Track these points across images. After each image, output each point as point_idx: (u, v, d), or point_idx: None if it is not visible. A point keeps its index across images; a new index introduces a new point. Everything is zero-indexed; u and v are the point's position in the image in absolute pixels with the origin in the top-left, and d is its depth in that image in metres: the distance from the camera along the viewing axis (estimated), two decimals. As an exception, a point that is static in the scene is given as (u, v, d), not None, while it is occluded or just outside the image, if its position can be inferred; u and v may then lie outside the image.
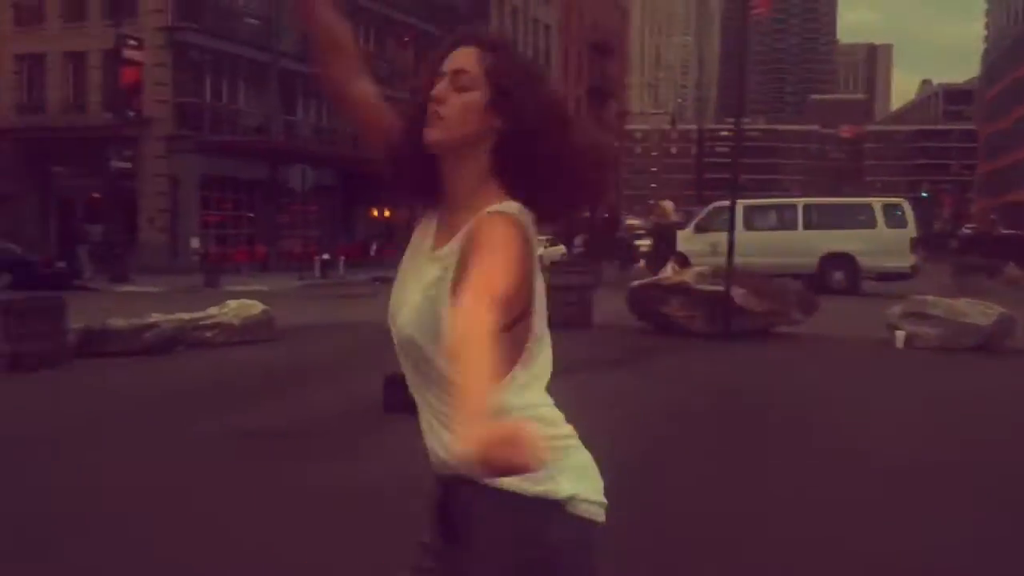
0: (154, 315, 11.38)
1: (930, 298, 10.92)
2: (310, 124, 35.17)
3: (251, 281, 25.45)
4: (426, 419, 1.67)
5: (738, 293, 11.20)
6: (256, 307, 11.95)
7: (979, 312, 10.64)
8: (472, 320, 1.31)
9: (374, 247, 35.75)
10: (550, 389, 1.64)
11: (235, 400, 7.68)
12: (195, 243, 28.72)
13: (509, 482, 1.48)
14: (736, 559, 3.99)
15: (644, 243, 24.52)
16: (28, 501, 4.85)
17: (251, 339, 11.40)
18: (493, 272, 1.42)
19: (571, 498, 1.54)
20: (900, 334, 10.65)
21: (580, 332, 11.84)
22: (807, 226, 20.38)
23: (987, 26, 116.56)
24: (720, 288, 11.18)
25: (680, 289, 11.55)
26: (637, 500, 3.95)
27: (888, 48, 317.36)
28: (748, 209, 21.16)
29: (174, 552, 4.11)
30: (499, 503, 1.53)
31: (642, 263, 17.04)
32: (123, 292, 22.74)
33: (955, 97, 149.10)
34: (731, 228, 12.13)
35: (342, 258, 30.25)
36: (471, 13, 45.63)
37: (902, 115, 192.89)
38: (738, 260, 18.35)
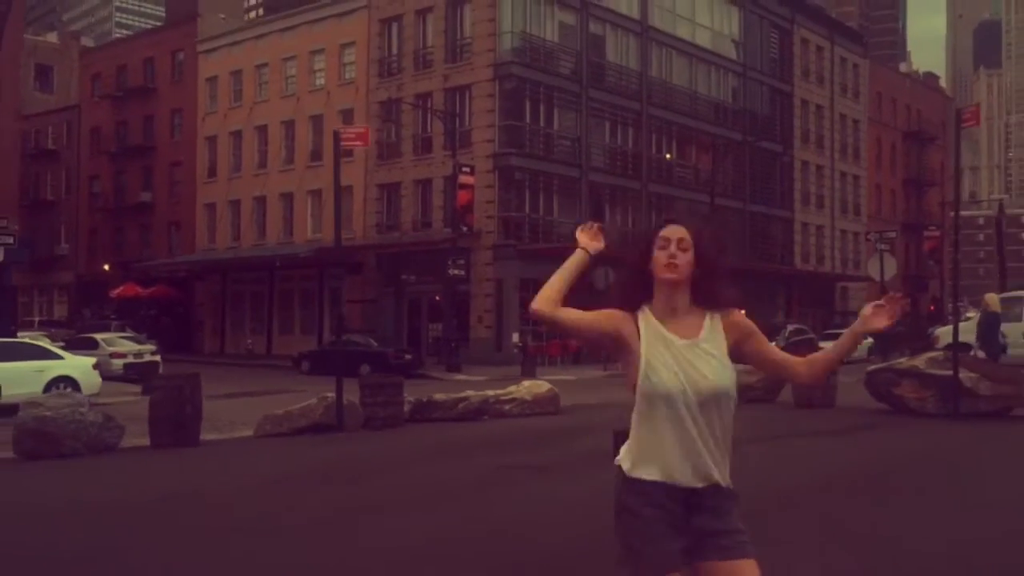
0: (467, 391, 14.60)
1: None
2: (616, 228, 38.54)
3: (561, 372, 28.71)
4: (697, 448, 2.74)
5: (967, 376, 12.17)
6: (544, 386, 14.81)
7: None
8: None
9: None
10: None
11: (516, 448, 10.39)
12: (515, 338, 32.71)
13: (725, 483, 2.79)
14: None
15: (943, 330, 24.25)
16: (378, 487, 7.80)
17: (539, 412, 14.21)
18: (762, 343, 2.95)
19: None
20: None
21: (820, 410, 13.38)
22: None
23: None
24: (948, 371, 12.22)
25: (912, 372, 12.72)
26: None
27: None
28: (1029, 298, 20.85)
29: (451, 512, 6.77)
30: (733, 495, 2.84)
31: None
32: (456, 380, 26.77)
33: None
34: (955, 315, 13.01)
35: (644, 351, 32.80)
36: (774, 115, 47.29)
37: None
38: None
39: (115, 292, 43.53)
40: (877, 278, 25.98)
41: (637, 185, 38.71)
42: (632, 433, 2.88)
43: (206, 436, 11.93)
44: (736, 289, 3.04)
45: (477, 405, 14.00)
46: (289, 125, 41.01)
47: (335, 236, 14.62)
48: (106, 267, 46.85)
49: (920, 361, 13.02)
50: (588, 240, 3.27)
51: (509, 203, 34.12)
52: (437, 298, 35.97)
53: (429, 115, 35.60)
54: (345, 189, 38.32)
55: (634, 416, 2.86)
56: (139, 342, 29.33)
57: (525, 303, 24.58)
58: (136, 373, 24.83)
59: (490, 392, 14.54)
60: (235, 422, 13.83)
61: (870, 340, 33.92)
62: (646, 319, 2.90)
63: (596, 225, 3.30)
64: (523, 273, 33.70)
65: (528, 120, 34.86)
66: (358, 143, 14.95)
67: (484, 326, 33.85)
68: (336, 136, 12.72)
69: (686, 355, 2.81)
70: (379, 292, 37.16)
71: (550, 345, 33.85)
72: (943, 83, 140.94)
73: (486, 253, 33.70)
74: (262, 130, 41.98)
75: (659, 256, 2.90)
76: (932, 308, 49.04)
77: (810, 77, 50.22)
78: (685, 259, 2.89)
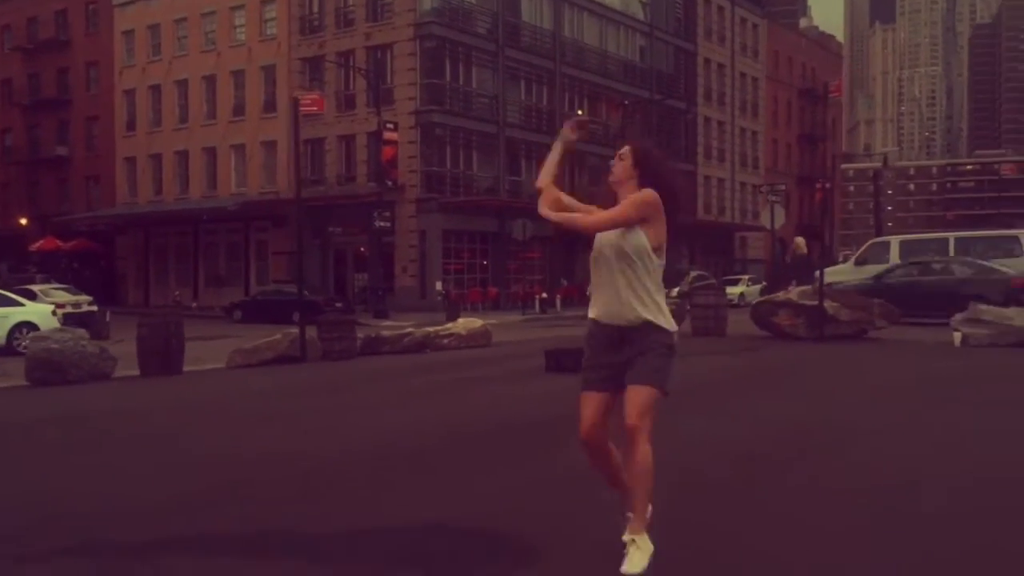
0: (409, 328, 16.55)
1: (983, 307, 13.94)
2: (532, 182, 40.62)
3: (483, 317, 30.80)
4: (616, 298, 3.64)
5: (830, 305, 14.72)
6: (477, 323, 16.88)
7: (1022, 317, 13.56)
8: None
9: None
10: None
11: (462, 368, 12.43)
12: (439, 286, 34.65)
13: (663, 327, 3.63)
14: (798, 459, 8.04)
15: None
16: (362, 399, 9.76)
17: (474, 345, 16.27)
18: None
19: (674, 332, 3.72)
20: (957, 335, 13.77)
21: (716, 338, 15.81)
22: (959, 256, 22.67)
23: None
24: (816, 302, 14.75)
25: (787, 304, 15.23)
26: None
27: None
28: (905, 243, 23.83)
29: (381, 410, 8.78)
30: (661, 331, 3.66)
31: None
32: (384, 326, 28.62)
33: None
34: (822, 259, 15.49)
35: (558, 296, 35.27)
36: (678, 74, 49.84)
37: None
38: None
39: (35, 246, 43.66)
40: (769, 227, 28.76)
41: (551, 140, 40.60)
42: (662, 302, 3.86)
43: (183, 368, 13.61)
44: (664, 183, 3.77)
45: (420, 339, 15.98)
46: (210, 80, 41.58)
47: (295, 190, 16.19)
48: (23, 221, 46.74)
49: (794, 294, 15.54)
50: (570, 133, 4.13)
51: (431, 158, 35.79)
52: (362, 249, 37.60)
53: (352, 73, 36.83)
54: (269, 144, 39.65)
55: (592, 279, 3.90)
56: (72, 293, 30.19)
57: (448, 253, 27.67)
58: (75, 322, 25.90)
59: (430, 328, 16.55)
60: (200, 358, 15.46)
61: (764, 283, 37.10)
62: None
63: (584, 119, 4.21)
64: (445, 225, 35.61)
65: (448, 78, 36.45)
66: (314, 108, 16.56)
67: (409, 275, 35.67)
68: (295, 101, 14.35)
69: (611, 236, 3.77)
70: (304, 244, 38.45)
71: (471, 292, 35.93)
72: (841, 38, 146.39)
73: (409, 206, 35.40)
74: (182, 84, 42.42)
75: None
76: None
77: (712, 37, 52.87)
78: (621, 166, 3.86)
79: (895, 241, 23.97)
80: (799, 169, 61.57)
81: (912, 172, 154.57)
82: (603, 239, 3.78)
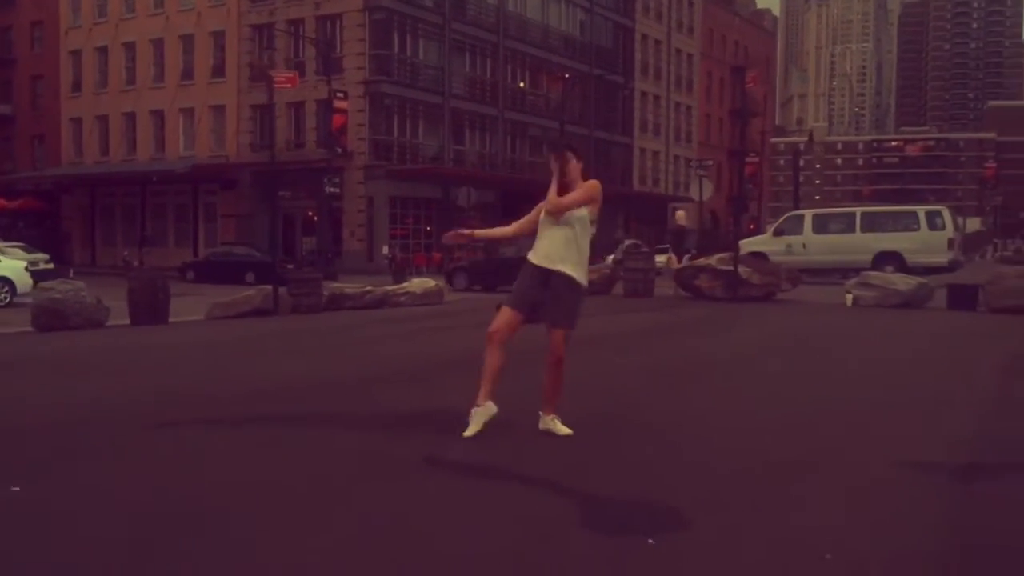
0: (368, 286, 18.20)
1: (873, 273, 16.15)
2: (475, 152, 42.25)
3: (428, 279, 32.44)
4: (553, 248, 5.06)
5: (743, 271, 16.79)
6: (431, 283, 18.61)
7: (904, 282, 15.81)
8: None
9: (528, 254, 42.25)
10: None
11: (423, 320, 14.17)
12: (385, 250, 36.17)
13: (579, 283, 5.12)
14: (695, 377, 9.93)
15: (744, 241, 29.53)
16: (319, 346, 11.45)
17: (429, 303, 17.99)
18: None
19: (585, 286, 5.84)
20: (849, 296, 15.97)
21: (645, 299, 17.80)
22: (864, 230, 24.99)
23: None
24: (731, 267, 16.80)
25: (707, 268, 17.27)
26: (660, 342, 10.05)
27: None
28: (817, 217, 26.15)
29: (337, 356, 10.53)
30: (577, 286, 5.10)
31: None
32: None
33: None
34: (737, 230, 17.54)
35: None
36: (616, 49, 51.68)
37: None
38: (811, 258, 23.61)
39: (-21, 205, 43.87)
40: (697, 199, 30.88)
41: (494, 112, 42.38)
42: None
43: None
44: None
45: (380, 296, 17.65)
46: (158, 43, 42.09)
47: (270, 155, 17.59)
48: (-34, 180, 46.73)
49: (713, 260, 17.59)
50: (449, 240, 5.90)
51: (379, 127, 37.13)
52: (310, 213, 38.88)
53: (302, 41, 37.83)
54: (218, 108, 40.46)
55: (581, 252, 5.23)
56: (28, 251, 30.98)
57: (394, 218, 29.94)
58: (36, 279, 26.83)
59: (388, 287, 18.21)
60: (175, 312, 16.88)
61: (693, 251, 39.31)
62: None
63: (462, 234, 5.75)
64: (392, 191, 37.08)
65: (396, 49, 37.73)
66: (288, 85, 17.96)
67: (356, 239, 37.10)
68: (269, 78, 15.79)
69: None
70: (254, 207, 39.59)
71: (416, 257, 37.51)
72: (777, 12, 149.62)
73: (358, 172, 36.74)
74: (130, 47, 42.83)
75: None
76: (752, 227, 55.47)
77: (650, 14, 54.77)
78: (574, 166, 5.22)
79: (809, 214, 26.28)
80: (730, 143, 64.15)
81: (840, 147, 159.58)
82: (551, 222, 5.21)
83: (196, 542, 3.56)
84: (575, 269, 5.15)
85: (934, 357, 9.77)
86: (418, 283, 18.52)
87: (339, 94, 34.38)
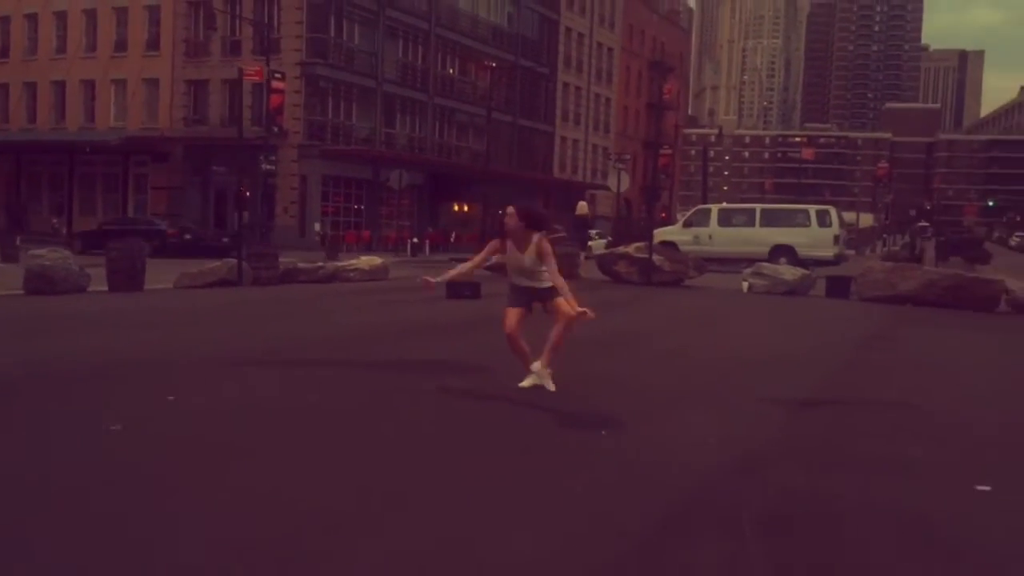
0: (320, 262, 19.95)
1: (765, 264, 18.71)
2: (405, 135, 43.91)
3: (360, 256, 34.13)
4: (521, 281, 6.89)
5: (657, 259, 19.17)
6: (377, 260, 20.47)
7: (791, 272, 18.42)
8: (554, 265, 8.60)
9: (453, 235, 44.25)
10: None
11: (376, 294, 16.07)
12: (317, 227, 37.66)
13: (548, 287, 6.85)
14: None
15: (657, 231, 32.33)
16: (279, 312, 13.31)
17: (376, 278, 19.85)
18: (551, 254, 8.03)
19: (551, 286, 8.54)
20: (745, 284, 18.50)
21: (570, 281, 20.01)
22: (763, 225, 27.75)
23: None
24: (646, 256, 19.16)
25: (624, 256, 19.61)
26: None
27: (980, 54, 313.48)
28: (722, 211, 28.88)
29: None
30: (550, 287, 6.84)
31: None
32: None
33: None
34: (651, 221, 19.92)
35: (427, 242, 38.95)
36: (542, 40, 53.82)
37: (985, 124, 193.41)
38: (716, 249, 26.11)
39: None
40: (615, 190, 33.26)
41: (425, 97, 44.09)
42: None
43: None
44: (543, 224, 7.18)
45: (331, 272, 19.44)
46: (91, 14, 42.35)
47: (238, 132, 19.07)
48: None
49: (630, 248, 19.93)
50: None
51: (314, 108, 38.47)
52: (242, 188, 39.94)
53: (239, 20, 38.81)
54: (151, 82, 41.10)
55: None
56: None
57: (325, 196, 32.43)
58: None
59: (339, 263, 20.00)
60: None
61: (609, 238, 42.00)
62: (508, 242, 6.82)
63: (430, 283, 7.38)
64: (325, 170, 38.53)
65: (332, 33, 39.05)
66: (256, 78, 19.47)
67: (289, 215, 38.44)
68: (240, 72, 17.37)
69: (518, 254, 6.78)
70: (185, 181, 40.47)
71: (347, 234, 39.06)
72: (692, 4, 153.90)
73: (292, 151, 38.04)
74: (61, 16, 42.94)
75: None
76: (664, 215, 58.58)
77: (574, 8, 57.04)
78: (512, 220, 6.66)
79: (715, 209, 29.00)
80: (646, 134, 67.12)
81: (747, 140, 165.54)
82: (517, 258, 6.92)
83: (287, 430, 5.57)
84: (546, 282, 7.01)
85: (805, 333, 12.24)
86: (365, 260, 20.35)
87: (277, 75, 35.58)
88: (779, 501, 4.45)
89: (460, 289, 14.99)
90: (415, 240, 38.31)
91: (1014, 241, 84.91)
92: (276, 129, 35.99)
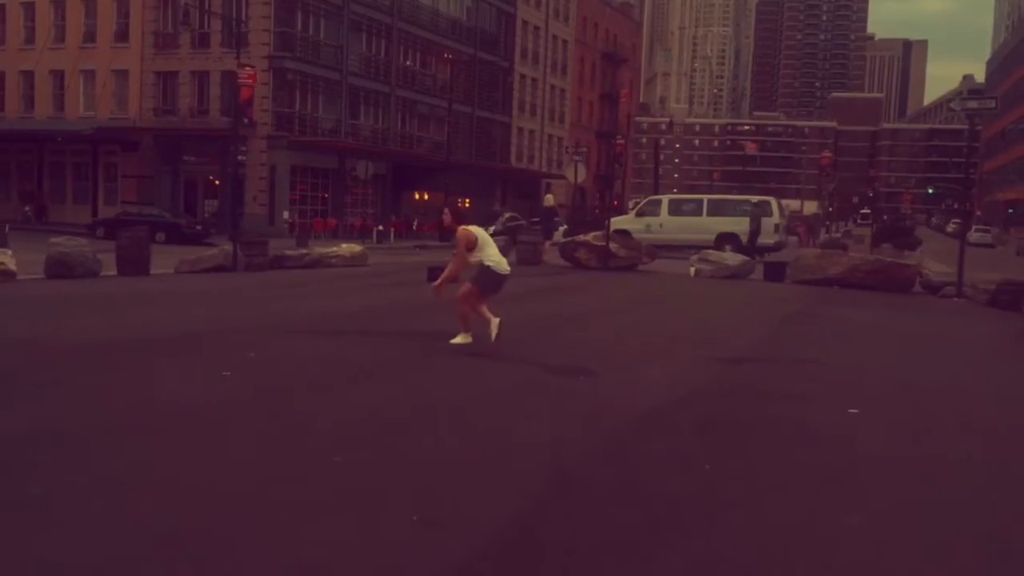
0: (304, 249, 21.62)
1: (710, 251, 20.80)
2: (369, 126, 45.42)
3: (328, 243, 35.70)
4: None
5: (614, 246, 21.17)
6: (357, 248, 22.20)
7: (733, 259, 20.55)
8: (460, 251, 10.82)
9: (415, 223, 45.93)
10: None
11: (364, 279, 17.82)
12: (286, 215, 39.10)
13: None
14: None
15: (614, 220, 34.43)
16: (270, 296, 15.08)
17: (356, 264, 21.58)
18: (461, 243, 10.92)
19: (491, 263, 10.87)
20: (692, 268, 20.59)
21: (533, 266, 21.94)
22: (710, 214, 29.93)
23: (1006, 28, 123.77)
24: (603, 243, 21.15)
25: (584, 243, 21.58)
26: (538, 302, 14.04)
27: (923, 44, 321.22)
28: (672, 201, 31.03)
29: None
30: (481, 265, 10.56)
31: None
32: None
33: (977, 96, 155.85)
34: (607, 211, 21.91)
35: (392, 230, 40.62)
36: (499, 33, 55.55)
37: (927, 113, 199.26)
38: (666, 236, 28.13)
39: None
40: (573, 180, 35.25)
41: (388, 89, 45.62)
42: (486, 258, 9.66)
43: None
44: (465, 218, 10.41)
45: (316, 258, 21.13)
46: (59, 4, 43.09)
47: (230, 122, 20.56)
48: None
49: (590, 237, 21.91)
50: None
51: (281, 100, 39.82)
52: (211, 177, 41.24)
53: (208, 13, 39.95)
54: (121, 73, 42.09)
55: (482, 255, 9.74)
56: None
57: (293, 185, 34.65)
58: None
59: (323, 250, 21.69)
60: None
61: (565, 226, 43.88)
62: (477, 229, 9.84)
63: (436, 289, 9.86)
64: (292, 160, 39.94)
65: (299, 27, 40.39)
66: (250, 82, 21.01)
67: (258, 204, 39.78)
68: (234, 74, 18.93)
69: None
70: (156, 170, 41.58)
71: (314, 222, 40.55)
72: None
73: (261, 142, 39.35)
74: (29, 7, 43.61)
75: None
76: (616, 203, 60.80)
77: (530, 1, 58.80)
78: (448, 218, 9.51)
79: (665, 199, 31.15)
80: (599, 124, 69.23)
81: (698, 128, 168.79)
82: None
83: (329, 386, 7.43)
84: (484, 260, 9.26)
85: (742, 309, 14.31)
86: (346, 248, 22.06)
87: (247, 69, 36.80)
88: (708, 417, 6.43)
89: (438, 275, 16.83)
90: (380, 228, 39.94)
91: (951, 228, 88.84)
92: (247, 121, 37.26)
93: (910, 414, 6.95)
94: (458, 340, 9.16)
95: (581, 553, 3.74)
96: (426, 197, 49.46)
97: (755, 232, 27.41)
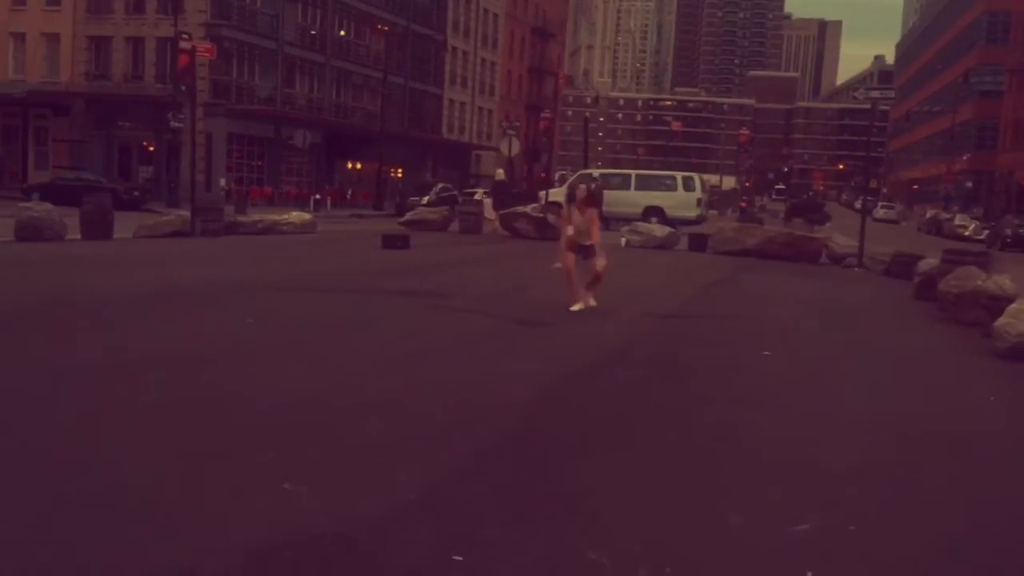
0: (258, 217, 22.62)
1: (639, 223, 22.52)
2: (304, 95, 45.94)
3: (267, 211, 36.43)
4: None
5: (550, 218, 22.70)
6: (307, 216, 23.26)
7: (660, 230, 22.31)
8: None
9: (350, 192, 46.76)
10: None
11: (321, 246, 18.97)
12: (222, 183, 39.55)
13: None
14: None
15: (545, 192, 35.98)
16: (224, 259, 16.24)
17: (307, 232, 22.65)
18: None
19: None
20: (623, 239, 22.29)
21: (474, 235, 23.36)
22: (637, 188, 31.66)
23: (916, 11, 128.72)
24: (541, 215, 22.67)
25: (523, 214, 23.08)
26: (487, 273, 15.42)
27: (837, 24, 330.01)
28: (604, 176, 32.68)
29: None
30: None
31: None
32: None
33: (886, 77, 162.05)
34: (547, 184, 23.44)
35: (328, 199, 41.45)
36: (432, 6, 56.30)
37: (840, 92, 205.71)
38: (593, 208, 29.57)
39: None
40: (506, 153, 36.65)
41: (322, 59, 46.15)
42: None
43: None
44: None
45: (268, 225, 22.11)
46: (-14, -35, 42.36)
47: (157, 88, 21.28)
48: None
49: (528, 208, 23.41)
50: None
51: (219, 68, 40.08)
52: (145, 143, 41.39)
53: (142, -21, 39.93)
54: (52, 36, 41.76)
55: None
56: None
57: (229, 153, 35.72)
58: None
59: (274, 217, 22.70)
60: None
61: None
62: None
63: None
64: (229, 128, 40.36)
65: (236, -5, 40.69)
66: (207, 55, 21.72)
67: (196, 171, 40.09)
68: (192, 49, 19.74)
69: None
70: (88, 135, 41.47)
71: (251, 190, 41.10)
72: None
73: (198, 109, 39.58)
74: (-47, -34, 42.73)
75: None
76: (543, 175, 62.36)
77: (462, -26, 59.61)
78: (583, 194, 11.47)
79: (596, 174, 32.76)
80: (528, 98, 70.58)
81: (622, 103, 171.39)
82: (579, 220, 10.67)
83: (328, 332, 8.82)
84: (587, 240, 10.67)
85: (671, 276, 16.02)
86: (296, 216, 23.11)
87: (185, 35, 37.02)
88: (654, 356, 8.02)
89: (394, 241, 18.13)
90: (317, 197, 40.70)
91: (859, 204, 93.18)
92: (184, 88, 37.52)
93: (812, 352, 8.68)
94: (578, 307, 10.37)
95: (572, 443, 5.25)
96: (359, 167, 50.21)
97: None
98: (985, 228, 43.49)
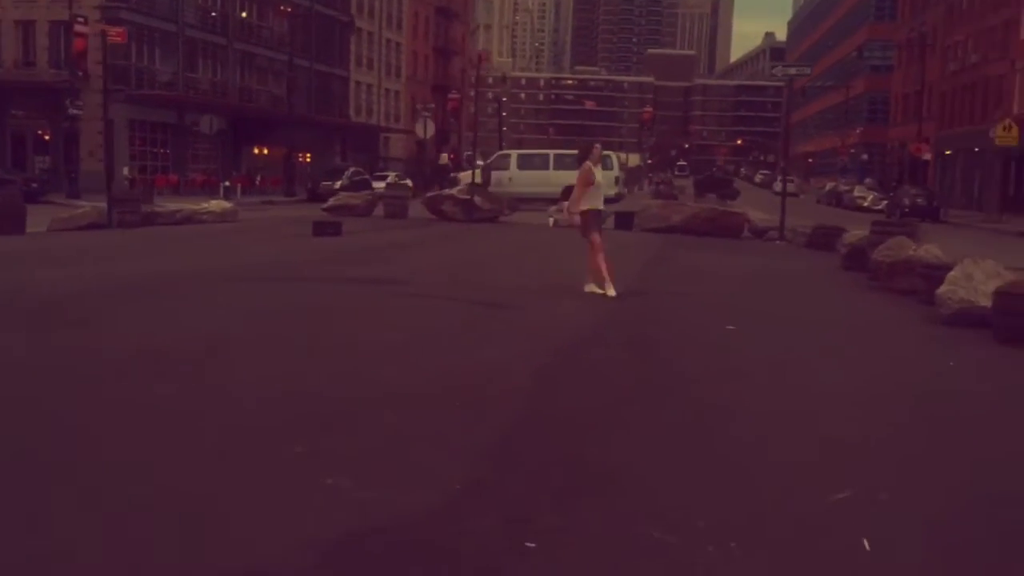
0: (174, 206, 21.92)
1: (566, 204, 22.67)
2: (207, 79, 44.59)
3: (176, 200, 35.30)
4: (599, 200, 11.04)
5: (477, 199, 22.70)
6: (228, 204, 22.67)
7: (587, 209, 22.53)
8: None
9: (258, 178, 45.68)
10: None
11: (246, 235, 18.53)
12: (126, 171, 38.13)
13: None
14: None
15: (463, 174, 35.86)
16: (158, 252, 15.80)
17: (227, 220, 22.08)
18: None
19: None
20: (550, 220, 22.44)
21: (399, 219, 23.17)
22: (555, 168, 31.88)
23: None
24: (468, 196, 22.64)
25: (449, 197, 23.00)
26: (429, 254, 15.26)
27: (730, 2, 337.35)
28: (521, 156, 32.80)
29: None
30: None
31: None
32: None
33: (778, 54, 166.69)
34: (472, 165, 23.41)
35: (239, 185, 40.40)
36: (335, -14, 55.26)
37: (734, 69, 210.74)
38: (516, 189, 29.85)
39: None
40: (421, 135, 36.44)
41: (225, 41, 44.83)
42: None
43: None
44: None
45: (187, 215, 21.48)
46: None
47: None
48: None
49: (455, 191, 23.35)
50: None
51: (117, 52, 38.46)
52: (40, 132, 39.53)
53: (31, -41, 37.97)
54: (-67, 20, 39.30)
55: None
56: None
57: (132, 141, 34.88)
58: None
59: (194, 206, 22.04)
60: None
61: (410, 181, 45.04)
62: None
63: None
64: (130, 115, 38.92)
65: (133, -23, 39.09)
66: (118, 39, 20.80)
67: (96, 159, 38.54)
68: (104, 33, 18.92)
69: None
70: (-23, 124, 39.37)
71: (156, 178, 39.74)
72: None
73: (97, 96, 37.97)
74: None
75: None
76: (452, 157, 62.14)
77: (365, -46, 58.66)
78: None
79: (515, 154, 32.89)
80: (434, 79, 70.09)
81: (524, 82, 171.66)
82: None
83: (301, 319, 8.70)
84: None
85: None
86: (217, 204, 22.51)
87: (80, 19, 35.50)
88: (623, 335, 8.16)
89: (325, 228, 17.84)
90: (227, 184, 39.60)
91: (759, 178, 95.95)
92: (81, 74, 36.00)
93: (771, 326, 8.97)
94: (595, 289, 10.41)
95: (584, 423, 5.32)
96: (266, 152, 49.11)
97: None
98: (883, 199, 45.27)
